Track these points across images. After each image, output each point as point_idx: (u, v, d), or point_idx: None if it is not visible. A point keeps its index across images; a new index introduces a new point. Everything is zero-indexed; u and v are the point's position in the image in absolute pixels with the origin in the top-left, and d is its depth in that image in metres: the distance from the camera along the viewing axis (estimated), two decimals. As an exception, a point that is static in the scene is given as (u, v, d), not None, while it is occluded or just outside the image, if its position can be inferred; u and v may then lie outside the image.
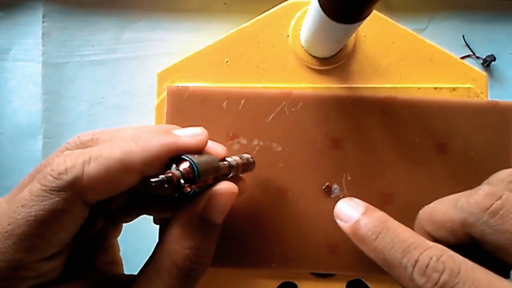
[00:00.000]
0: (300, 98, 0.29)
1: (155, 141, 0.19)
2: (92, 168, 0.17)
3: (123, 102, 0.37)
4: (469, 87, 0.31)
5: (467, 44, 0.37)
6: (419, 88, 0.31)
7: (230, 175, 0.22)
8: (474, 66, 0.33)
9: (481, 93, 0.31)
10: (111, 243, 0.24)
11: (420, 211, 0.23)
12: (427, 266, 0.17)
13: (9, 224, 0.16)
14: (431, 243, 0.18)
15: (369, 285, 0.30)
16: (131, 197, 0.23)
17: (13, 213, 0.16)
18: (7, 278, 0.16)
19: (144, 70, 0.37)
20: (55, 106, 0.37)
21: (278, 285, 0.29)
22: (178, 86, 0.29)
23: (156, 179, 0.17)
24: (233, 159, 0.23)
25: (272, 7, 0.32)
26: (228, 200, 0.20)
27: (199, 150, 0.20)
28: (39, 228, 0.16)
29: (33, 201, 0.16)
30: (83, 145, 0.20)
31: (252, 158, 0.25)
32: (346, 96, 0.29)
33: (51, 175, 0.17)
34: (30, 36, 0.37)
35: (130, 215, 0.24)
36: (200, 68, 0.31)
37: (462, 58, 0.35)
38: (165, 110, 0.29)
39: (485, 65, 0.37)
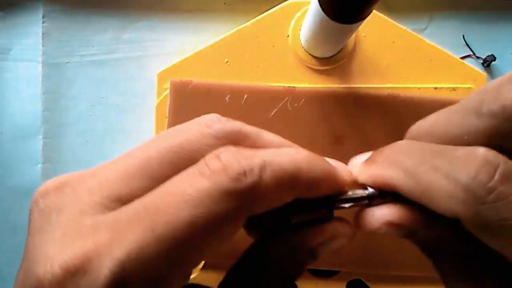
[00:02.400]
0: (302, 94, 0.29)
1: (324, 164, 0.16)
2: (268, 177, 0.14)
3: (123, 102, 0.37)
4: (469, 87, 0.31)
5: (467, 44, 0.37)
6: (419, 88, 0.31)
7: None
8: (474, 66, 0.33)
9: (481, 93, 0.31)
10: None
11: (412, 127, 0.18)
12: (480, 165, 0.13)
13: (165, 222, 0.12)
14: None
15: (369, 285, 0.30)
16: None
17: (171, 209, 0.13)
18: None
19: (144, 70, 0.37)
20: (55, 106, 0.37)
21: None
22: (181, 79, 0.29)
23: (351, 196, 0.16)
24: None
25: (272, 7, 0.32)
26: (342, 246, 0.17)
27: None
28: (199, 237, 0.13)
29: (200, 200, 0.13)
30: (230, 136, 0.16)
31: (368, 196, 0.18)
32: (348, 93, 0.29)
33: (227, 174, 0.13)
34: (30, 36, 0.37)
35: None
36: (200, 68, 0.31)
37: (462, 58, 0.35)
38: (168, 103, 0.29)
39: (485, 65, 0.37)
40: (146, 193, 0.14)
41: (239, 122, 0.17)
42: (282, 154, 0.15)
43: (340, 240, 0.17)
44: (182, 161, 0.15)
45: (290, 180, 0.15)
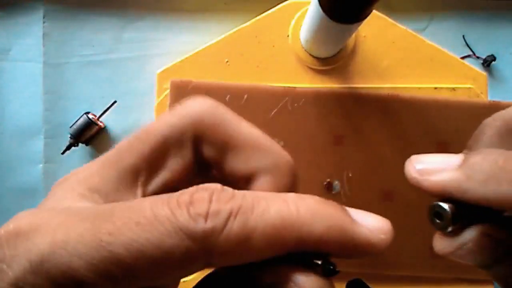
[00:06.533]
0: (302, 94, 0.29)
1: (324, 216, 0.13)
2: (236, 226, 0.12)
3: (123, 102, 0.37)
4: (469, 87, 0.31)
5: (467, 44, 0.37)
6: (419, 88, 0.31)
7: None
8: (474, 66, 0.33)
9: (481, 93, 0.31)
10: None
11: (501, 112, 0.16)
12: None
13: (109, 234, 0.12)
14: None
15: (369, 285, 0.30)
16: None
17: (121, 224, 0.12)
18: None
19: (144, 70, 0.37)
20: (56, 106, 0.37)
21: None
22: (181, 79, 0.29)
23: None
24: None
25: (272, 7, 0.32)
26: None
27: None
28: (137, 262, 0.12)
29: (152, 227, 0.12)
30: (198, 118, 0.15)
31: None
32: (348, 94, 0.29)
33: (188, 211, 0.12)
34: (31, 36, 0.38)
35: None
36: (200, 68, 0.31)
37: (462, 58, 0.35)
38: (168, 103, 0.29)
39: (485, 65, 0.37)
40: (119, 182, 0.15)
41: (220, 105, 0.16)
42: (268, 202, 0.13)
43: None
44: (145, 146, 0.15)
45: (272, 235, 0.12)
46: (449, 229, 0.15)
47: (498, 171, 0.13)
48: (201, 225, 0.12)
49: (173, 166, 0.15)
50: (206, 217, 0.12)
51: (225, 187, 0.13)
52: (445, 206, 0.15)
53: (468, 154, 0.14)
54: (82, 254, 0.12)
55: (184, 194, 0.13)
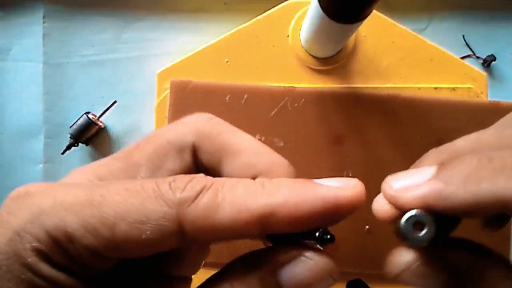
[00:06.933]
0: (303, 94, 0.29)
1: (286, 186, 0.14)
2: (206, 197, 0.14)
3: (123, 102, 0.37)
4: (469, 87, 0.31)
5: (467, 44, 0.37)
6: (419, 88, 0.31)
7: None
8: (474, 66, 0.33)
9: (481, 93, 0.31)
10: (185, 276, 0.19)
11: (448, 144, 0.16)
12: None
13: (101, 195, 0.14)
14: None
15: (369, 285, 0.30)
16: None
17: (112, 190, 0.14)
18: (54, 242, 0.13)
19: (144, 70, 0.37)
20: (56, 106, 0.37)
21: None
22: (181, 79, 0.29)
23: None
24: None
25: (272, 7, 0.32)
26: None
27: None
28: (120, 222, 0.13)
29: (138, 194, 0.14)
30: (196, 122, 0.17)
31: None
32: (348, 94, 0.29)
33: (170, 185, 0.14)
34: (31, 36, 0.38)
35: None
36: (200, 68, 0.31)
37: (462, 58, 0.35)
38: (168, 103, 0.29)
39: (485, 65, 0.37)
40: (122, 173, 0.17)
41: (216, 117, 0.18)
42: (240, 181, 0.14)
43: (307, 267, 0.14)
44: (150, 145, 0.17)
45: (237, 208, 0.13)
46: (430, 241, 0.14)
47: (475, 170, 0.13)
48: (178, 195, 0.14)
49: (172, 167, 0.17)
50: (183, 190, 0.14)
51: (207, 176, 0.15)
52: (425, 214, 0.14)
53: (441, 165, 0.14)
54: (75, 211, 0.14)
55: (171, 176, 0.15)
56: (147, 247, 0.14)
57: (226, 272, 0.15)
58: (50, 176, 0.37)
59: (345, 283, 0.30)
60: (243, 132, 0.17)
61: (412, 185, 0.14)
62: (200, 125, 0.17)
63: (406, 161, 0.28)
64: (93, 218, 0.13)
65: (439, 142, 0.29)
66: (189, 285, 0.19)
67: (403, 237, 0.14)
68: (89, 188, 0.14)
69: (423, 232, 0.14)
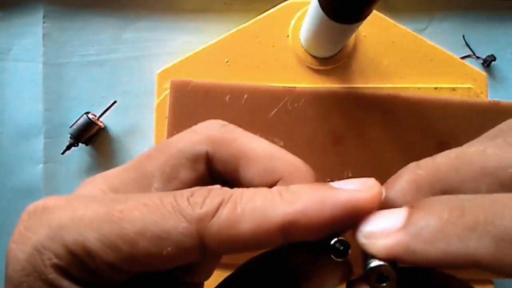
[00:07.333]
0: (302, 94, 0.29)
1: (304, 193, 0.14)
2: (226, 210, 0.14)
3: (123, 102, 0.37)
4: (469, 87, 0.31)
5: (467, 44, 0.37)
6: (419, 88, 0.31)
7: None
8: (474, 66, 0.33)
9: (481, 93, 0.31)
10: (198, 282, 0.19)
11: (418, 165, 0.15)
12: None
13: (120, 211, 0.14)
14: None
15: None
16: None
17: (132, 205, 0.14)
18: (74, 258, 0.14)
19: (144, 70, 0.37)
20: (56, 106, 0.37)
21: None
22: (181, 79, 0.29)
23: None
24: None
25: (272, 7, 0.32)
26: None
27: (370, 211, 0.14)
28: (140, 238, 0.13)
29: (157, 209, 0.14)
30: (208, 131, 0.17)
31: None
32: (348, 93, 0.29)
33: (188, 200, 0.14)
34: (31, 36, 0.38)
35: None
36: (200, 68, 0.31)
37: (462, 58, 0.35)
38: (168, 103, 0.29)
39: (485, 65, 0.37)
40: (135, 184, 0.16)
41: (229, 124, 0.17)
42: (258, 191, 0.14)
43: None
44: (163, 155, 0.17)
45: (258, 219, 0.13)
46: None
47: (445, 226, 0.12)
48: (197, 210, 0.14)
49: (186, 178, 0.17)
50: (202, 204, 0.14)
51: (224, 187, 0.15)
52: (390, 268, 0.13)
53: (411, 210, 0.13)
54: (94, 226, 0.14)
55: (189, 190, 0.15)
56: (168, 262, 0.14)
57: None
58: (50, 176, 0.37)
59: (345, 283, 0.30)
60: (258, 137, 0.17)
61: (381, 233, 0.14)
62: (213, 133, 0.17)
63: (406, 161, 0.28)
64: (113, 234, 0.13)
65: (439, 142, 0.29)
66: None
67: (366, 280, 0.14)
68: (108, 202, 0.14)
69: (385, 284, 0.14)
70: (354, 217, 0.14)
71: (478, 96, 0.30)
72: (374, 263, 0.14)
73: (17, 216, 0.16)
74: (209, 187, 0.15)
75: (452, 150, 0.15)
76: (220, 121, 0.17)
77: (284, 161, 0.17)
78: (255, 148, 0.17)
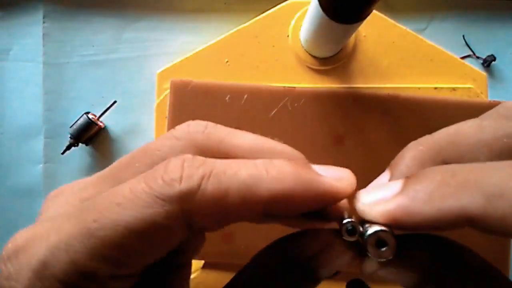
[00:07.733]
0: (303, 94, 0.29)
1: (291, 174, 0.14)
2: (210, 186, 0.13)
3: (123, 102, 0.37)
4: (469, 87, 0.31)
5: (467, 44, 0.37)
6: (419, 88, 0.31)
7: None
8: (474, 66, 0.33)
9: (481, 93, 0.31)
10: (186, 262, 0.19)
11: (423, 138, 0.17)
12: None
13: (94, 221, 0.13)
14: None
15: (369, 285, 0.30)
16: None
17: (103, 209, 0.13)
18: (72, 286, 0.13)
19: (144, 70, 0.37)
20: (56, 106, 0.37)
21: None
22: (181, 79, 0.29)
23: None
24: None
25: (272, 7, 0.32)
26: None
27: (339, 200, 0.15)
28: (127, 239, 0.13)
29: (132, 203, 0.13)
30: (191, 136, 0.16)
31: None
32: (348, 93, 0.29)
33: (162, 178, 0.13)
34: (31, 36, 0.38)
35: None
36: (200, 68, 0.31)
37: (462, 58, 0.35)
38: (168, 103, 0.29)
39: (485, 65, 0.37)
40: None
41: (210, 124, 0.16)
42: (238, 164, 0.14)
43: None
44: (142, 165, 0.15)
45: (246, 192, 0.13)
46: (391, 256, 0.14)
47: (439, 186, 0.13)
48: (177, 188, 0.13)
49: None
50: (180, 181, 0.13)
51: (196, 156, 0.14)
52: (389, 234, 0.14)
53: (407, 179, 0.14)
54: (76, 246, 0.13)
55: (158, 167, 0.14)
56: (159, 252, 0.14)
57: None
58: (50, 176, 0.37)
59: (345, 283, 0.30)
60: (242, 132, 0.16)
61: (380, 200, 0.14)
62: (197, 138, 0.16)
63: (406, 161, 0.28)
64: (98, 247, 0.13)
65: (439, 142, 0.29)
66: (190, 268, 0.19)
67: (367, 250, 0.14)
68: (77, 216, 0.13)
69: (384, 248, 0.14)
70: (329, 203, 0.15)
71: (478, 96, 0.30)
72: (372, 228, 0.14)
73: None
74: (180, 156, 0.14)
75: (450, 126, 0.16)
76: (200, 122, 0.16)
77: (274, 153, 0.16)
78: (242, 145, 0.16)
